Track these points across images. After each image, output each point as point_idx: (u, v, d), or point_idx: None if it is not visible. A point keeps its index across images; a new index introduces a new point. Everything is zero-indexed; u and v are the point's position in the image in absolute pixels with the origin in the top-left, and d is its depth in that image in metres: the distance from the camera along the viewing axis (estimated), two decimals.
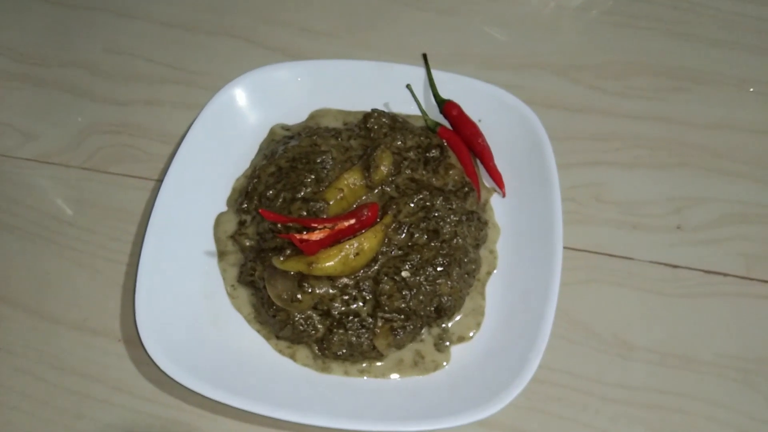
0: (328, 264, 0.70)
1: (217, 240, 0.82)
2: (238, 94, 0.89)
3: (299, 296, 0.71)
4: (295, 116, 0.90)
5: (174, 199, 0.81)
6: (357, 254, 0.71)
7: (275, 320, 0.73)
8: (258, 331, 0.76)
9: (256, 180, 0.82)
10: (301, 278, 0.71)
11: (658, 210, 0.85)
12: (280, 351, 0.75)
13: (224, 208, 0.85)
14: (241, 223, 0.82)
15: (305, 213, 0.74)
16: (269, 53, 1.01)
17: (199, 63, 1.01)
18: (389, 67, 0.89)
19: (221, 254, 0.81)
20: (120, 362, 0.78)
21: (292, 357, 0.74)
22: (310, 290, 0.71)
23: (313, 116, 0.90)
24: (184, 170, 0.84)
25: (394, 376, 0.73)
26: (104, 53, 1.03)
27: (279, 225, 0.74)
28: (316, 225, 0.71)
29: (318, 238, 0.70)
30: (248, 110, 0.90)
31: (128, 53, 1.03)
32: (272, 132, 0.89)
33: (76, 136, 0.95)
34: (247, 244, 0.79)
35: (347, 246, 0.71)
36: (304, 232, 0.71)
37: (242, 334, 0.76)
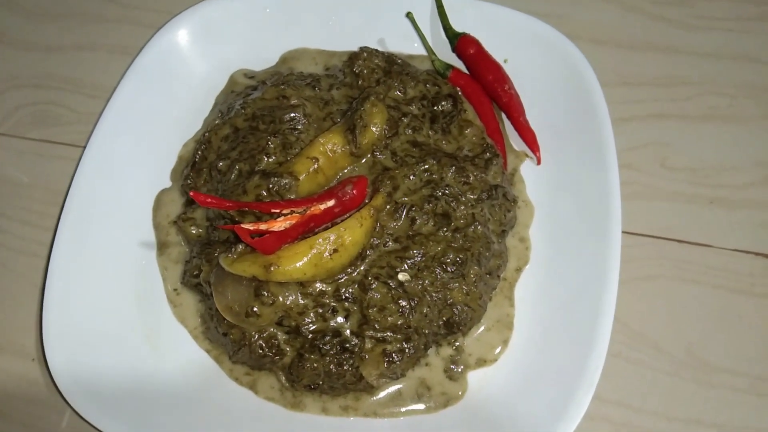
0: (293, 266, 0.58)
1: (157, 227, 0.71)
2: (186, 34, 0.79)
3: (256, 309, 0.59)
4: (263, 60, 0.80)
5: (100, 173, 0.72)
6: (335, 251, 0.59)
7: (227, 339, 0.62)
8: (207, 352, 0.66)
9: (205, 146, 0.70)
10: (259, 284, 0.59)
11: (742, 179, 0.75)
12: (236, 379, 0.64)
13: (168, 183, 0.74)
14: (188, 204, 0.71)
15: (265, 192, 0.62)
16: None
17: None
18: None
19: (162, 246, 0.70)
20: (33, 389, 0.68)
21: (252, 387, 0.64)
22: (271, 301, 0.59)
23: (285, 59, 0.80)
24: (115, 134, 0.74)
25: (390, 415, 0.63)
26: None
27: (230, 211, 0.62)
28: (277, 210, 0.59)
29: (280, 229, 0.58)
30: (201, 54, 0.79)
31: None
32: (232, 81, 0.79)
33: None
34: (194, 232, 0.68)
35: (320, 240, 0.59)
36: (263, 220, 0.59)
37: (186, 354, 0.66)
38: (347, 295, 0.61)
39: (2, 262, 0.74)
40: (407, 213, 0.63)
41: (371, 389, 0.62)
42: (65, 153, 0.79)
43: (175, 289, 0.67)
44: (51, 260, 0.66)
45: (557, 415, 0.58)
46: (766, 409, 0.64)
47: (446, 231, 0.63)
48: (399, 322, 0.60)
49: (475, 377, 0.64)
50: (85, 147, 0.72)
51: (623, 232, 0.70)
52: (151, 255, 0.70)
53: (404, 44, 0.79)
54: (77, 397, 0.59)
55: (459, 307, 0.62)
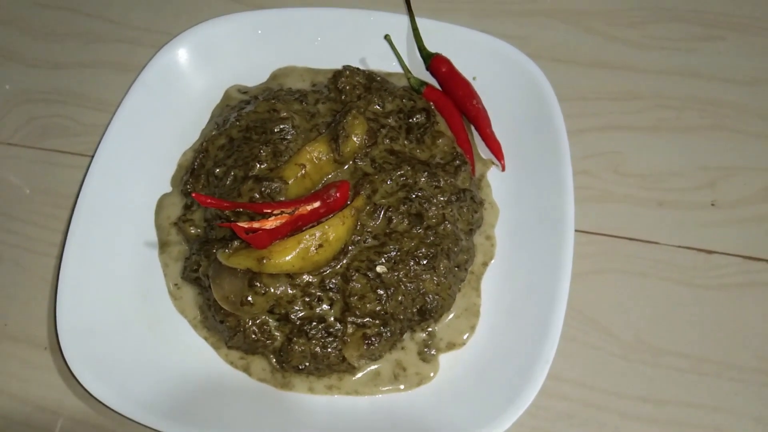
0: (283, 259, 0.61)
1: (159, 228, 0.74)
2: (185, 52, 0.82)
3: (250, 298, 0.63)
4: (255, 77, 0.83)
5: (107, 179, 0.74)
6: (320, 246, 0.63)
7: (224, 327, 0.66)
8: (205, 339, 0.69)
9: (203, 154, 0.74)
10: (253, 276, 0.63)
11: (687, 183, 0.78)
12: (231, 363, 0.67)
13: (169, 188, 0.77)
14: (187, 207, 0.73)
15: (257, 195, 0.66)
16: (228, 3, 0.91)
17: (145, 17, 0.93)
18: (365, 16, 0.82)
19: (163, 245, 0.73)
20: (46, 376, 0.70)
21: (246, 370, 0.67)
22: (263, 291, 0.63)
23: (275, 76, 0.83)
24: (120, 144, 0.76)
25: (369, 393, 0.66)
26: (35, 7, 0.95)
27: (226, 211, 0.66)
28: (269, 210, 0.63)
29: (272, 227, 0.62)
30: (198, 71, 0.82)
31: (63, 7, 0.95)
32: (227, 96, 0.82)
33: (2, 107, 0.87)
34: (193, 232, 0.71)
35: (307, 236, 0.62)
36: (256, 220, 0.63)
37: (186, 342, 0.69)
38: (331, 285, 0.64)
39: (15, 261, 0.75)
40: (384, 213, 0.67)
41: (353, 370, 0.65)
42: (73, 161, 0.82)
43: (175, 284, 0.70)
44: (63, 258, 0.68)
45: (517, 390, 0.61)
46: (705, 387, 0.67)
47: (419, 229, 0.66)
48: (377, 309, 0.63)
49: (445, 359, 0.67)
50: (93, 156, 0.74)
51: (579, 231, 0.73)
52: (153, 253, 0.72)
53: (383, 63, 0.82)
54: (88, 381, 0.62)
55: (431, 296, 0.64)
